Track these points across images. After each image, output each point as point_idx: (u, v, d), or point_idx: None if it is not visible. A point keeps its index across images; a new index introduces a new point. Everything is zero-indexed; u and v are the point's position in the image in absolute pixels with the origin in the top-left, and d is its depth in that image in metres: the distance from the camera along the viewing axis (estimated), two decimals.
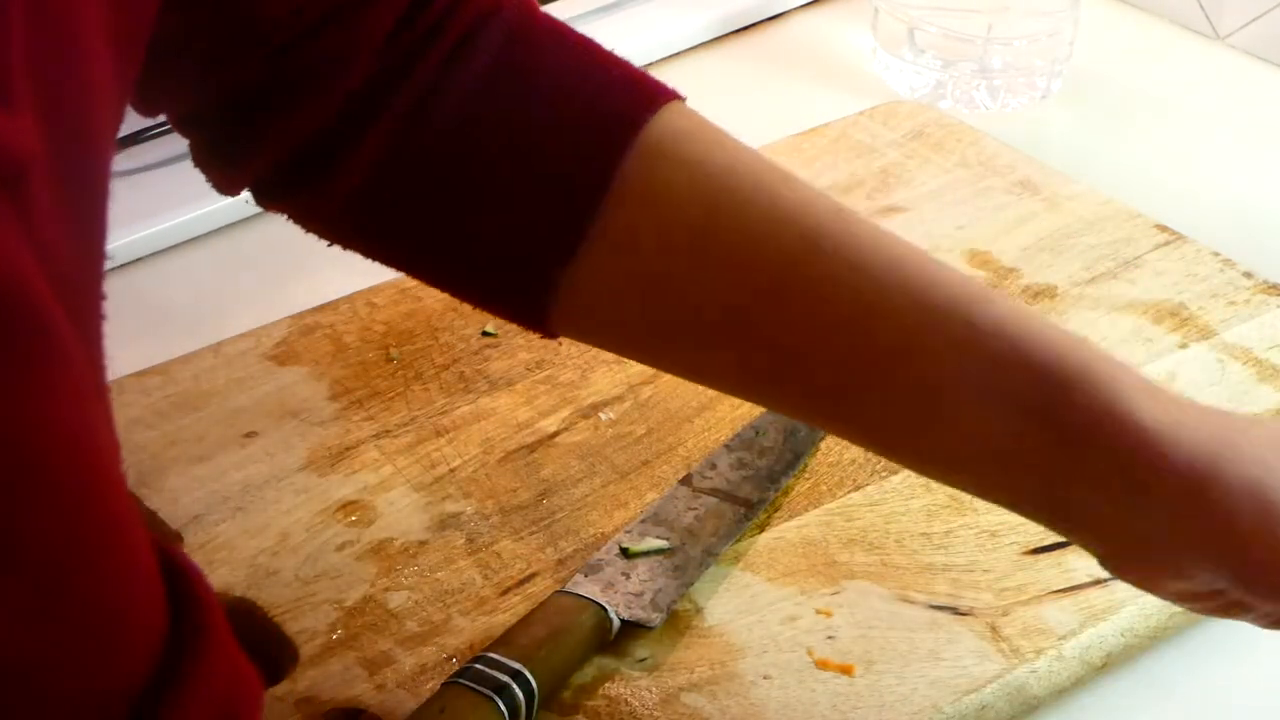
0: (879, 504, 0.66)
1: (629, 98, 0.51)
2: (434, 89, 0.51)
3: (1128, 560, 0.48)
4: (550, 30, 0.53)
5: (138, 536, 0.33)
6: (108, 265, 0.36)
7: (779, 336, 0.49)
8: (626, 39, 1.03)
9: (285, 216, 0.55)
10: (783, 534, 0.65)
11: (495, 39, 0.51)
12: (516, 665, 0.56)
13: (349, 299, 0.78)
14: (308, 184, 0.52)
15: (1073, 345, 0.46)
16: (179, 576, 0.35)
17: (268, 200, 0.54)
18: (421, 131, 0.51)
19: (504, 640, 0.58)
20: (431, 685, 0.57)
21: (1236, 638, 0.62)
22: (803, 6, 1.09)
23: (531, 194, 0.51)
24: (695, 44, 1.05)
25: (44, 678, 0.30)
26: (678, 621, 0.60)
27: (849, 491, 0.67)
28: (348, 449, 0.69)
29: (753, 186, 0.50)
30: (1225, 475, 0.44)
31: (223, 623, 0.36)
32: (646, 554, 0.63)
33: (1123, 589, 0.61)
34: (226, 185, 0.54)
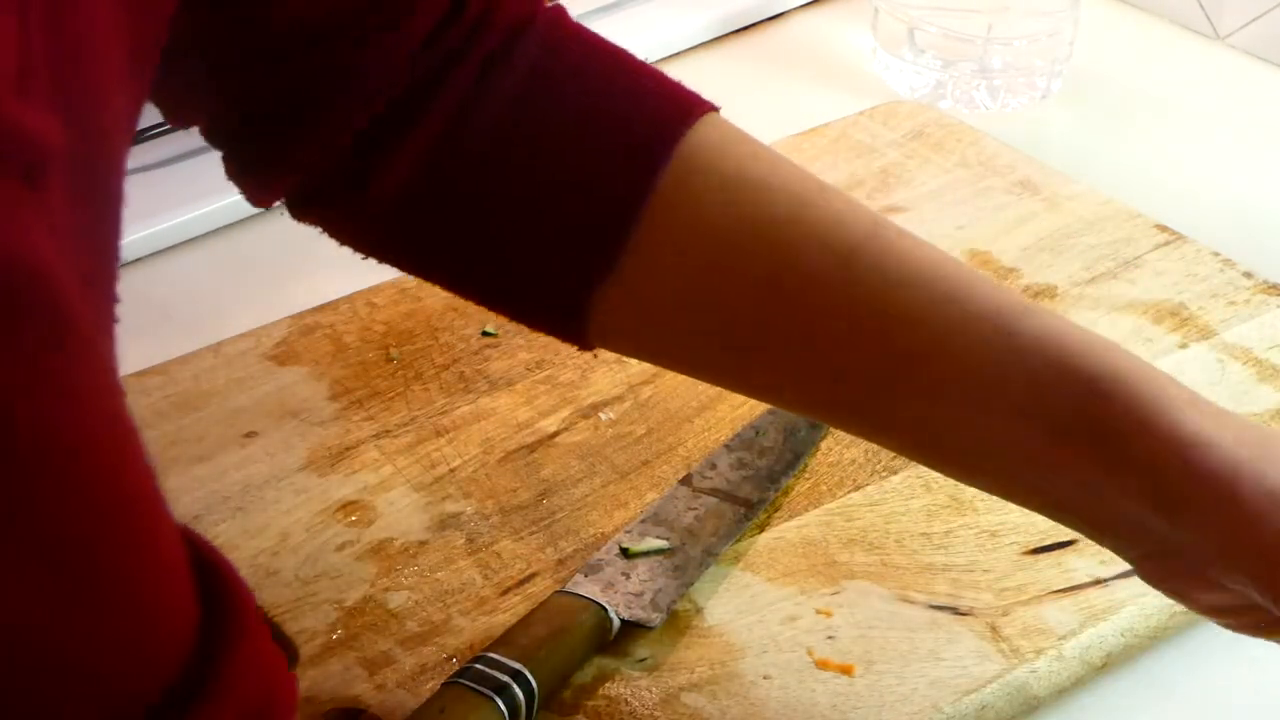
0: (879, 504, 0.66)
1: (666, 110, 0.51)
2: (470, 100, 0.51)
3: (1160, 568, 0.48)
4: (582, 39, 0.53)
5: (167, 528, 0.33)
6: None
7: (815, 346, 0.49)
8: (626, 39, 1.02)
9: (319, 229, 0.55)
10: (783, 534, 0.65)
11: (531, 49, 0.51)
12: (516, 665, 0.56)
13: (349, 299, 0.78)
14: (342, 196, 0.52)
15: (1113, 353, 0.46)
16: (211, 570, 0.35)
17: (301, 212, 0.54)
18: (458, 142, 0.51)
19: (504, 640, 0.58)
20: (431, 685, 0.57)
21: (1236, 638, 0.62)
22: (803, 6, 1.09)
23: (569, 205, 0.51)
24: (695, 44, 1.05)
25: (73, 671, 0.30)
26: (678, 621, 0.60)
27: (849, 491, 0.67)
28: (348, 449, 0.69)
29: (789, 199, 0.50)
30: (1264, 488, 0.44)
31: (256, 617, 0.36)
32: (646, 554, 0.63)
33: (1123, 589, 0.61)
34: (259, 197, 0.53)
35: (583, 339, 0.53)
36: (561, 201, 0.51)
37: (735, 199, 0.50)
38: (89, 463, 0.30)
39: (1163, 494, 0.45)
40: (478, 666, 0.56)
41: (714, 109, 0.52)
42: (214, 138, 0.53)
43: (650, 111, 0.51)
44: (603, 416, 0.71)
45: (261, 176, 0.52)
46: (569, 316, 0.52)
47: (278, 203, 0.54)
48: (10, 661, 0.28)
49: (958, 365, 0.47)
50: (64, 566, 0.29)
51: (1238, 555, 0.45)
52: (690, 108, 0.52)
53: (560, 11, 0.53)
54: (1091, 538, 0.49)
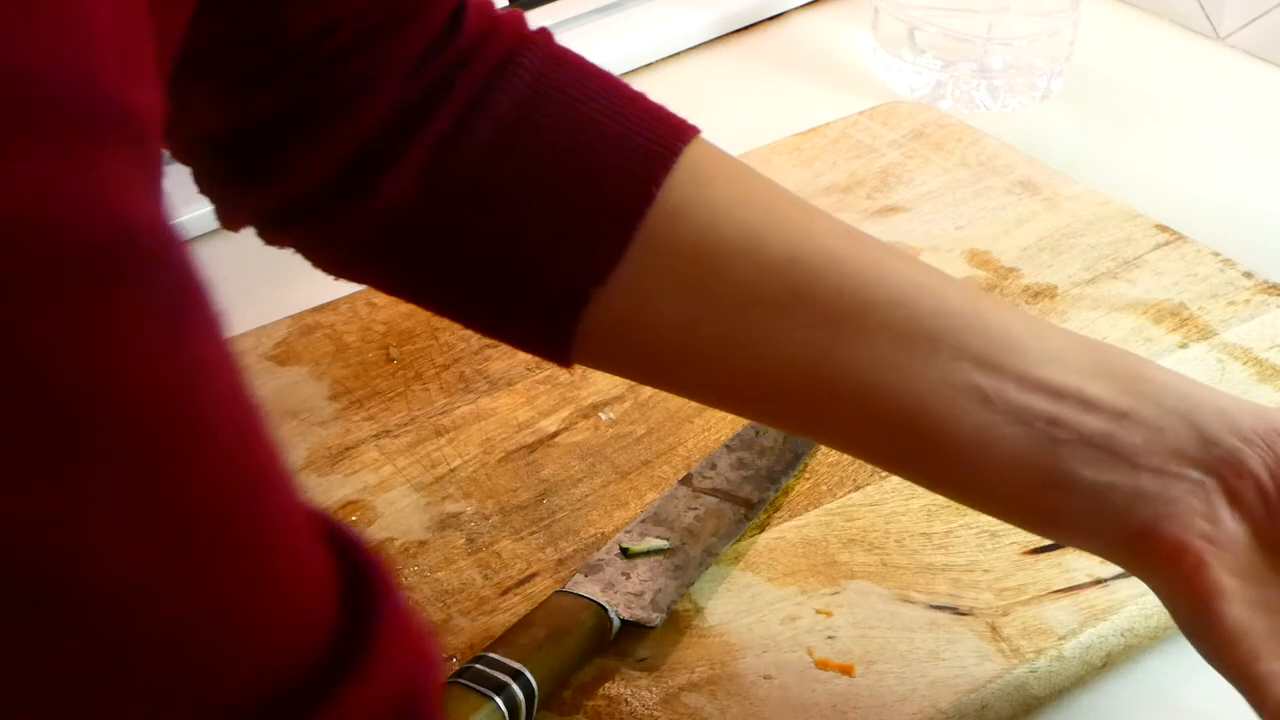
0: (879, 504, 0.66)
1: (662, 128, 0.52)
2: (466, 119, 0.51)
3: (1157, 529, 0.48)
4: (573, 62, 0.54)
5: (298, 502, 0.32)
6: None
7: (814, 338, 0.49)
8: (627, 39, 1.03)
9: (291, 250, 0.54)
10: (783, 534, 0.65)
11: (526, 72, 0.52)
12: (516, 665, 0.56)
13: (349, 299, 0.78)
14: (326, 214, 0.52)
15: None
16: (347, 543, 0.35)
17: (275, 233, 0.54)
18: (453, 159, 0.51)
19: (504, 640, 0.58)
20: None
21: None
22: (803, 6, 1.09)
23: (565, 223, 0.51)
24: (695, 44, 1.05)
25: (213, 647, 0.30)
26: (678, 621, 0.60)
27: (849, 491, 0.67)
28: (348, 449, 0.69)
29: (796, 208, 0.52)
30: None
31: (399, 591, 0.35)
32: (646, 554, 0.63)
33: (1123, 589, 0.61)
34: (232, 218, 0.53)
35: (565, 353, 0.53)
36: (557, 218, 0.51)
37: (743, 202, 0.51)
38: (222, 434, 0.30)
39: (1197, 401, 0.48)
40: (478, 666, 0.56)
41: (699, 132, 0.53)
42: (193, 153, 0.53)
43: (649, 129, 0.52)
44: (603, 416, 0.71)
45: (247, 192, 0.52)
46: (554, 329, 0.52)
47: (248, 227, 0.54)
48: (146, 637, 0.28)
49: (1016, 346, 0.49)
50: (197, 538, 0.29)
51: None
52: (683, 127, 0.53)
53: (548, 35, 0.54)
54: (1087, 534, 0.49)
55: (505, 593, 0.62)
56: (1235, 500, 0.48)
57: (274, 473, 0.31)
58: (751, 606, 0.61)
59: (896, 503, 0.66)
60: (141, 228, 0.28)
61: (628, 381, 0.73)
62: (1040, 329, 0.50)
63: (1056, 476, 0.48)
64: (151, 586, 0.28)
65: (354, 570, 0.34)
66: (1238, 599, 0.47)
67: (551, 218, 0.51)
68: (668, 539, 0.63)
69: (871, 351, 0.49)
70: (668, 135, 0.52)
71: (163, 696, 0.29)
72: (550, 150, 0.51)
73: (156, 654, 0.29)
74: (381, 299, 0.78)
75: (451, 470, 0.68)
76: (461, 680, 0.55)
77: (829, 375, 0.49)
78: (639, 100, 0.53)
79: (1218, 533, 0.47)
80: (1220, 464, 0.48)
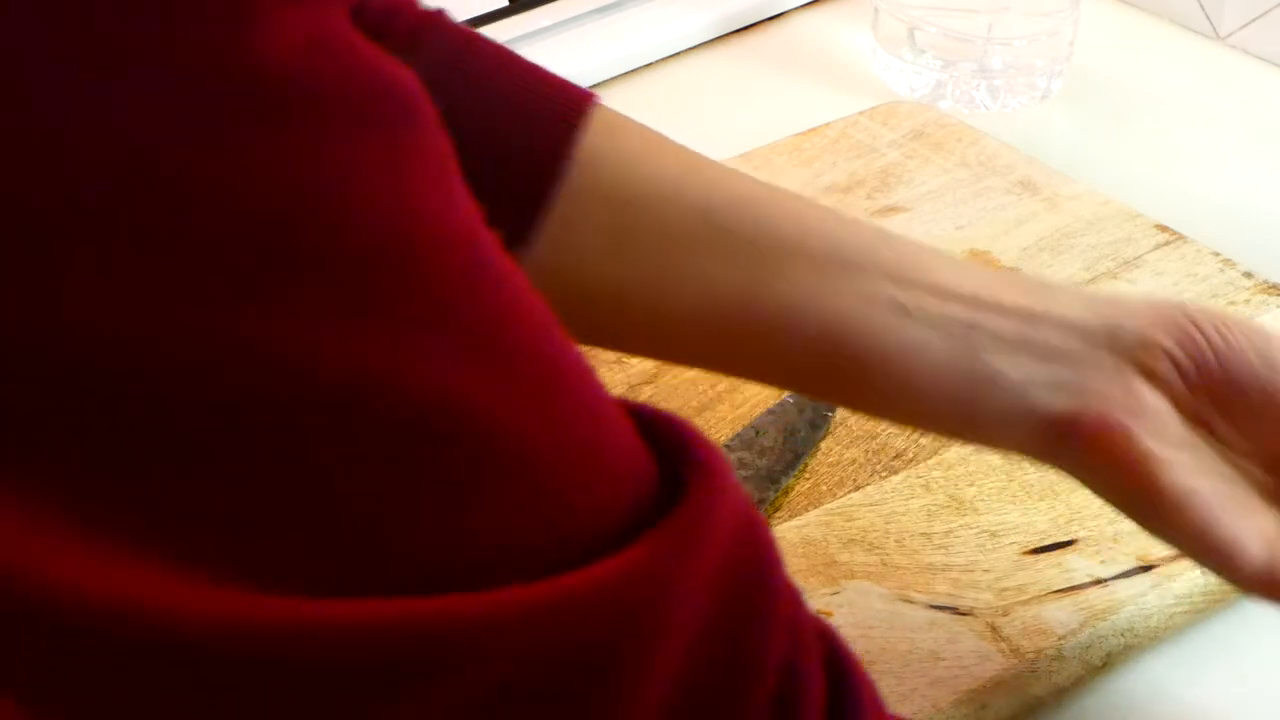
0: (879, 504, 0.66)
1: (568, 93, 0.54)
2: None
3: (1079, 412, 0.49)
4: (474, 39, 0.56)
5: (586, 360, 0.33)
6: None
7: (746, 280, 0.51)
8: (627, 39, 1.03)
9: None
10: (783, 534, 0.64)
11: (433, 49, 0.54)
12: None
13: None
14: None
15: None
16: (655, 414, 0.35)
17: None
18: None
19: None
20: None
21: (1237, 638, 0.62)
22: (803, 6, 1.09)
23: (483, 189, 0.52)
24: (695, 44, 1.05)
25: (555, 474, 0.30)
26: None
27: (849, 491, 0.67)
28: None
29: (705, 158, 0.54)
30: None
31: (723, 461, 0.35)
32: None
33: (1123, 589, 0.61)
34: None
35: None
36: (473, 184, 0.52)
37: (665, 148, 0.53)
38: (507, 278, 0.30)
39: (1098, 302, 0.52)
40: None
41: (599, 99, 0.55)
42: None
43: (552, 95, 0.54)
44: None
45: None
46: None
47: None
48: (483, 460, 0.29)
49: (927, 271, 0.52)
50: (520, 369, 0.30)
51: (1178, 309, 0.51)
52: (586, 94, 0.54)
53: (444, 14, 0.56)
54: (1011, 431, 0.51)
55: None
56: (1151, 376, 0.50)
57: (559, 326, 0.32)
58: None
59: (896, 503, 0.66)
60: (401, 82, 0.29)
61: (628, 381, 0.73)
62: (946, 255, 0.53)
63: (978, 376, 0.50)
64: (482, 411, 0.28)
65: (667, 431, 0.34)
66: (1175, 465, 0.49)
67: (471, 183, 0.53)
68: None
69: (794, 280, 0.51)
70: (575, 98, 0.54)
71: (506, 528, 0.29)
72: (462, 121, 0.53)
73: (499, 480, 0.29)
74: None
75: None
76: None
77: (756, 309, 0.51)
78: (539, 70, 0.55)
79: (1140, 406, 0.50)
80: (1130, 346, 0.50)
